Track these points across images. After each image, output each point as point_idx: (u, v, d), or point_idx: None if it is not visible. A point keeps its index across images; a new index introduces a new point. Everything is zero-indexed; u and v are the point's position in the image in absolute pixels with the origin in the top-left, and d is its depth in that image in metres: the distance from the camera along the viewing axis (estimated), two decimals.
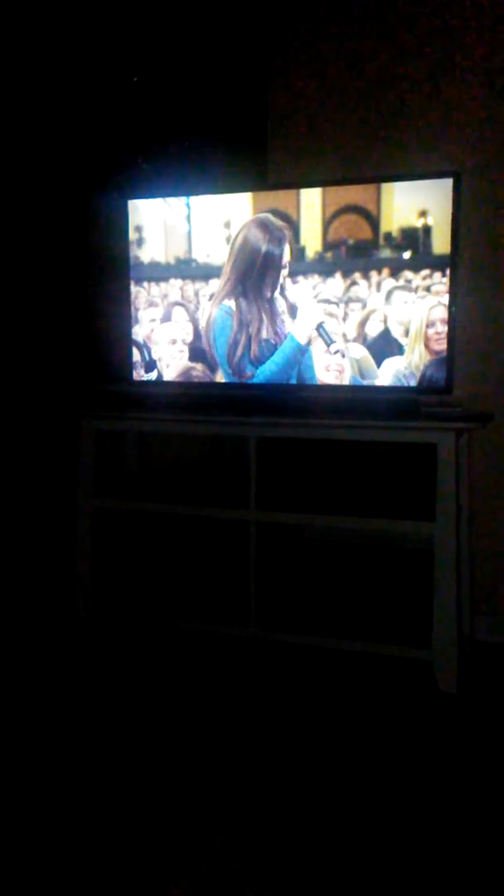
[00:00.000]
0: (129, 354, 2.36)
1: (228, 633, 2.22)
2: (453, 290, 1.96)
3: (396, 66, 2.23)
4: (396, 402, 2.03)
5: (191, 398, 2.29)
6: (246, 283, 2.14)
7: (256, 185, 2.30)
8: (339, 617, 2.20)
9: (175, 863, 1.34)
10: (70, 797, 1.55)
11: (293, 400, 2.14)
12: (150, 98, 2.60)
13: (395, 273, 2.00)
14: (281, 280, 2.11)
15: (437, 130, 2.21)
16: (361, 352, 2.07)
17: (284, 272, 2.11)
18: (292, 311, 2.11)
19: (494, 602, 2.29)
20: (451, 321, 1.97)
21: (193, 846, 1.38)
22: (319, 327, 2.08)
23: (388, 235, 1.99)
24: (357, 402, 2.08)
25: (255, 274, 2.13)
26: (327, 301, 2.07)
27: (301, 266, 2.09)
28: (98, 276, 2.66)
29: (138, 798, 1.54)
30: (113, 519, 2.46)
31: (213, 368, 2.24)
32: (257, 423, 2.10)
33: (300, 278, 2.09)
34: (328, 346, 2.08)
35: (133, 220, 2.29)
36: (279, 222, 2.10)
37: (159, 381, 2.32)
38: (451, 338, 1.98)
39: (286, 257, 2.11)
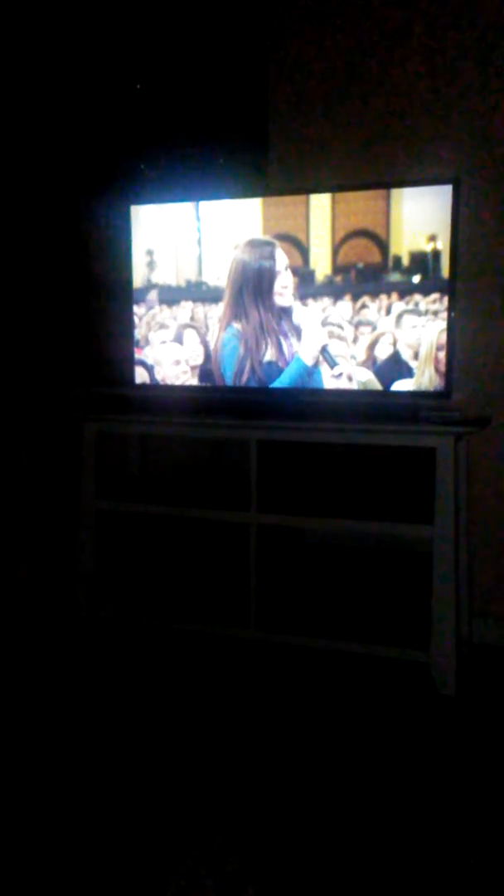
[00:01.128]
0: (131, 357, 2.37)
1: (228, 635, 2.23)
2: (452, 291, 1.99)
3: (396, 74, 2.25)
4: (395, 407, 2.08)
5: (192, 401, 2.32)
6: (245, 301, 2.18)
7: (256, 192, 2.33)
8: (338, 619, 2.22)
9: (173, 863, 1.33)
10: (69, 797, 1.54)
11: (293, 404, 2.18)
12: (150, 105, 2.65)
13: (404, 296, 2.03)
14: (278, 288, 2.15)
15: (439, 140, 2.22)
16: (367, 375, 2.10)
17: (281, 279, 2.14)
18: (297, 332, 2.15)
19: (493, 604, 2.32)
20: (451, 325, 2.00)
21: (192, 846, 1.38)
22: (324, 350, 2.12)
23: (398, 259, 2.03)
24: (357, 406, 2.12)
25: (250, 289, 2.17)
26: (333, 325, 2.11)
27: (310, 289, 2.12)
28: (101, 280, 2.69)
29: (137, 798, 1.53)
30: (115, 521, 2.47)
31: None
32: (258, 427, 2.13)
33: (310, 301, 2.12)
34: (332, 368, 2.13)
35: (136, 227, 2.31)
36: (266, 238, 2.16)
37: (161, 385, 2.34)
38: (451, 341, 2.01)
39: (280, 265, 2.14)
